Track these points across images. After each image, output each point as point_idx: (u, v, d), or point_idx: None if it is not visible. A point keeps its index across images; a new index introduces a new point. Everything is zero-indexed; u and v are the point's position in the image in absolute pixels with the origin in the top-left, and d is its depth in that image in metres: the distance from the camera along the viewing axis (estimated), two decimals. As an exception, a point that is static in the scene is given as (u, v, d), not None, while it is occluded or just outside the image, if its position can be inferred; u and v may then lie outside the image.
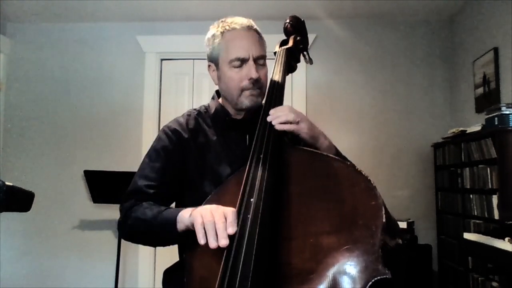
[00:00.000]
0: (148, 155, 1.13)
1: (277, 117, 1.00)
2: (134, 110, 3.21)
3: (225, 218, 0.78)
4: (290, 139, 1.08)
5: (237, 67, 1.08)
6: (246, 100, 1.09)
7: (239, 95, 1.09)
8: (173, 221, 0.91)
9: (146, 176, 1.08)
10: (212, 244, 0.76)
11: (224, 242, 0.75)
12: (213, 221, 0.78)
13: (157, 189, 1.07)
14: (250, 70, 1.07)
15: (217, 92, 1.23)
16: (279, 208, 0.82)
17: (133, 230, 1.04)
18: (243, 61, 1.07)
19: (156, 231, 0.97)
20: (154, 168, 1.09)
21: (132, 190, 1.09)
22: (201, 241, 0.77)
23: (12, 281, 3.05)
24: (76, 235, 3.10)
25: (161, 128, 1.18)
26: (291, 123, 1.00)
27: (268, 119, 1.00)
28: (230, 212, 0.79)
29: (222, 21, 1.14)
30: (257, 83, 1.08)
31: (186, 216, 0.89)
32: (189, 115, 1.18)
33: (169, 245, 1.04)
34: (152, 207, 1.00)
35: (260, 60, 1.10)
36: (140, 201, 1.04)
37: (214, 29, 1.14)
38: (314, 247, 0.73)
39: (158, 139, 1.14)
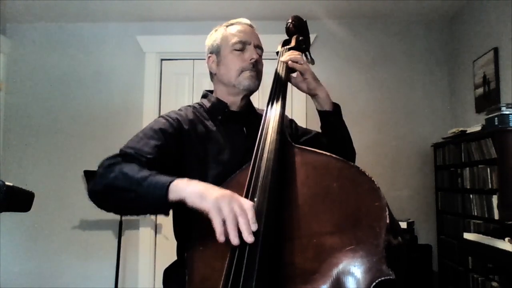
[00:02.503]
0: (143, 132, 1.05)
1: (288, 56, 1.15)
2: (134, 110, 3.21)
3: (246, 212, 0.75)
4: (293, 137, 1.09)
5: (239, 50, 1.14)
6: (244, 80, 1.14)
7: (238, 76, 1.14)
8: (166, 187, 0.83)
9: (138, 149, 0.98)
10: (235, 241, 0.72)
11: (250, 239, 0.72)
12: (234, 215, 0.74)
13: (149, 161, 0.96)
14: (251, 52, 1.14)
15: (208, 91, 1.25)
16: (283, 208, 0.82)
17: (112, 185, 0.89)
18: (244, 45, 1.15)
19: (140, 193, 0.84)
20: (149, 144, 1.00)
21: (118, 153, 0.98)
22: (221, 237, 0.73)
23: (12, 281, 3.05)
24: (76, 235, 3.10)
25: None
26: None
27: (282, 59, 1.16)
28: (249, 206, 0.76)
29: (225, 23, 1.22)
30: (256, 65, 1.15)
31: (186, 188, 0.82)
32: (186, 109, 1.18)
33: (147, 214, 0.93)
34: (142, 168, 0.89)
35: (259, 50, 1.17)
36: (127, 162, 0.93)
37: (218, 27, 1.22)
38: (317, 247, 0.73)
39: (157, 121, 1.09)
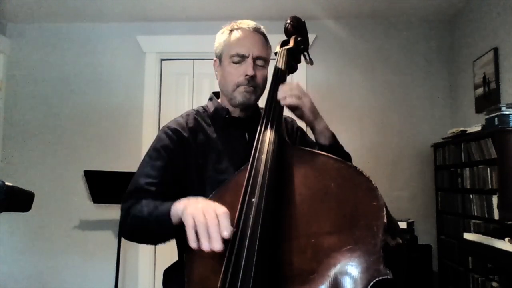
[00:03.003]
0: (148, 154, 1.12)
1: (284, 93, 1.04)
2: (134, 110, 3.21)
3: (218, 220, 0.76)
4: (295, 144, 1.08)
5: (236, 62, 1.13)
6: (239, 96, 1.14)
7: (234, 90, 1.14)
8: (167, 216, 0.90)
9: (147, 174, 1.07)
10: (205, 246, 0.73)
11: (217, 245, 0.73)
12: (205, 223, 0.75)
13: (159, 187, 1.05)
14: (247, 67, 1.12)
15: (214, 93, 1.27)
16: (281, 208, 0.82)
17: (132, 229, 1.03)
18: (242, 58, 1.12)
19: (152, 228, 0.95)
20: (155, 167, 1.08)
21: (132, 189, 1.07)
22: (192, 244, 0.75)
23: (12, 281, 3.05)
24: (76, 235, 3.10)
25: (160, 128, 1.18)
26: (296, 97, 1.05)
27: (279, 95, 1.05)
28: (222, 213, 0.77)
29: (233, 22, 1.20)
30: (252, 81, 1.13)
31: (179, 208, 0.87)
32: (188, 115, 1.20)
33: (169, 240, 1.01)
34: (149, 204, 0.98)
35: (259, 61, 1.15)
36: (140, 200, 1.02)
37: (224, 28, 1.21)
38: (315, 247, 0.73)
39: (158, 139, 1.14)
